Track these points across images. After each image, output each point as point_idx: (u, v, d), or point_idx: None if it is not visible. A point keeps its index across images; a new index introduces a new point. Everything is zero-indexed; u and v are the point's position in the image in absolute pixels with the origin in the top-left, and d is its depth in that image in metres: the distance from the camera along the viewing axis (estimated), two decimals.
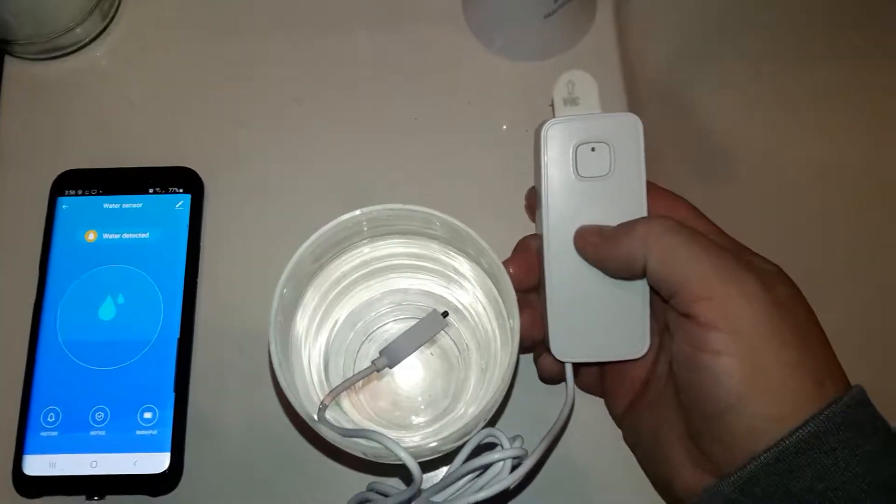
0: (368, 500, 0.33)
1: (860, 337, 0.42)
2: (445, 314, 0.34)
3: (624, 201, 0.32)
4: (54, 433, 0.39)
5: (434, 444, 0.31)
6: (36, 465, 0.38)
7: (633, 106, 0.46)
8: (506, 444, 0.30)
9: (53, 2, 0.44)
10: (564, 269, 0.33)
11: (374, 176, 0.44)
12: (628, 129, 0.32)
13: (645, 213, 0.32)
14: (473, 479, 0.31)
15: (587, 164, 0.32)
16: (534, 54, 0.46)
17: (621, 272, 0.32)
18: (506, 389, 0.31)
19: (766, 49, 0.52)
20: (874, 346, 0.45)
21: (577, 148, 0.32)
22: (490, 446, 0.31)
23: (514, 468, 0.30)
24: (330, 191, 0.43)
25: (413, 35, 0.47)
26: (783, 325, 0.28)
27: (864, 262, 0.48)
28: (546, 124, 0.32)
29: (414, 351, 0.34)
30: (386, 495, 0.32)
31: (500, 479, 0.30)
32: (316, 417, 0.31)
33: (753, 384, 0.28)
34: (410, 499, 0.31)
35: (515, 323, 0.32)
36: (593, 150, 0.32)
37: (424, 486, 0.31)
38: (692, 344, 0.29)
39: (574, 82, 0.33)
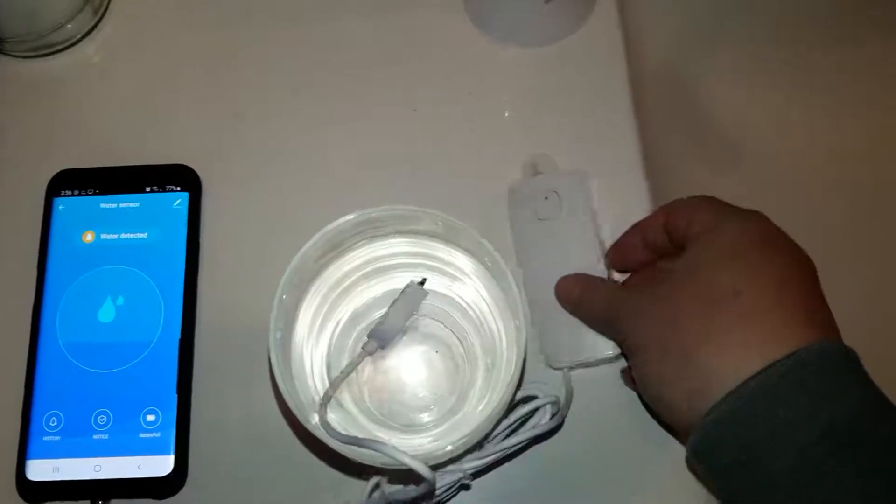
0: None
1: (865, 325, 0.42)
2: (423, 282, 0.36)
3: (574, 235, 0.40)
4: (57, 437, 0.38)
5: (441, 452, 0.31)
6: (39, 470, 0.38)
7: (636, 91, 0.45)
8: (543, 390, 0.35)
9: None
10: (541, 294, 0.39)
11: (373, 168, 0.43)
12: (574, 181, 0.40)
13: (595, 245, 0.39)
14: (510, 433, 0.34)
15: (544, 209, 0.40)
16: (535, 40, 0.45)
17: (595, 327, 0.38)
18: (514, 387, 0.31)
19: (769, 33, 0.51)
20: (879, 334, 0.44)
21: (535, 198, 0.41)
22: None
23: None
24: (329, 184, 0.43)
25: (411, 23, 0.46)
26: (670, 330, 0.33)
27: (870, 247, 0.48)
28: (514, 184, 0.42)
29: (402, 327, 0.36)
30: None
31: (541, 423, 0.34)
32: (317, 422, 0.31)
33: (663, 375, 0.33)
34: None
35: (521, 322, 0.32)
36: (547, 198, 0.40)
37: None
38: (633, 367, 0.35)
39: (538, 162, 0.42)
